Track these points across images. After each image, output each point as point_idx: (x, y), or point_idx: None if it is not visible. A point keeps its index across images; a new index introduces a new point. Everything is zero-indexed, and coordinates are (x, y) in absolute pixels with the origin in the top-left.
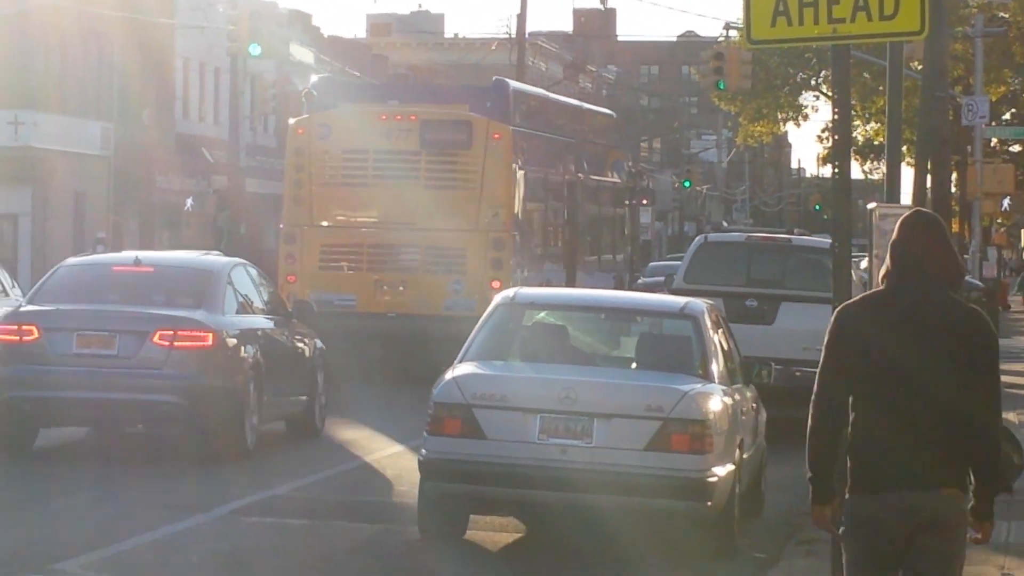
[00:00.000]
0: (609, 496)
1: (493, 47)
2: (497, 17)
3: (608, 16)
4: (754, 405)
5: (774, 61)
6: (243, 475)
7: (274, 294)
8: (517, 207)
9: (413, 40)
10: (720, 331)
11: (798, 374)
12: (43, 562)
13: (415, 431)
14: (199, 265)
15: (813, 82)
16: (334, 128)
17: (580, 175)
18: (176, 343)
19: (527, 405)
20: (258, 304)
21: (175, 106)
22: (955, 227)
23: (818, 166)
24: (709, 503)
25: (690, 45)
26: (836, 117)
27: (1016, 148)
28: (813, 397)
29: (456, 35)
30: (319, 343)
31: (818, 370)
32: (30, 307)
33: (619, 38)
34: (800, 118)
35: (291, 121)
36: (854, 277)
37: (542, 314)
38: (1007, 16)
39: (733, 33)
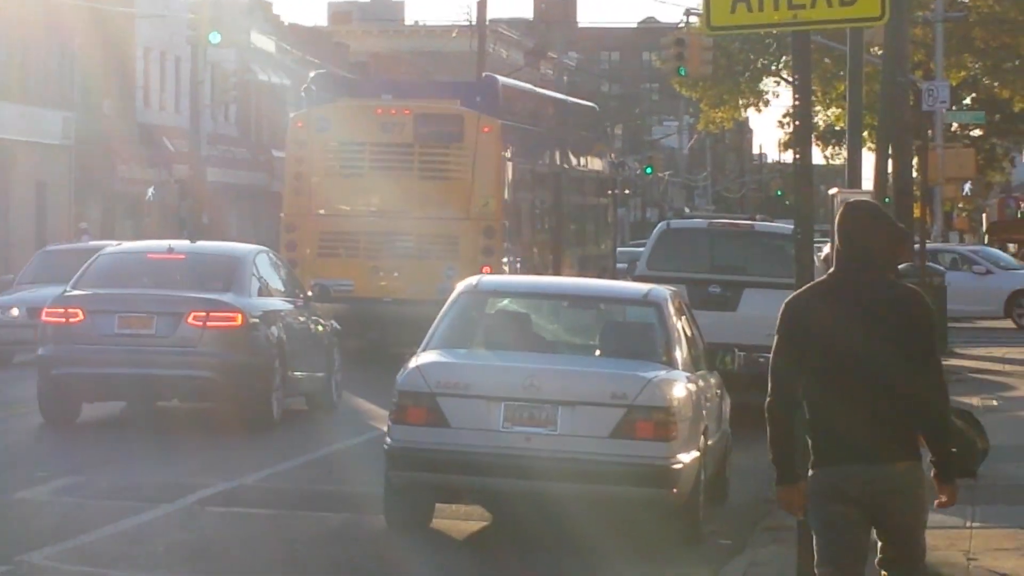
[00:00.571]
0: (574, 484)
1: (454, 34)
2: (457, 4)
3: (568, 3)
4: (718, 392)
5: (735, 47)
6: (207, 465)
7: (293, 278)
8: (506, 196)
9: (374, 28)
10: (684, 318)
11: (762, 360)
12: (9, 553)
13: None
14: (226, 252)
15: (774, 68)
16: (332, 121)
17: (565, 166)
18: (209, 323)
19: (491, 393)
20: (279, 288)
21: (136, 95)
22: (916, 212)
23: (780, 152)
24: (674, 490)
25: (651, 31)
26: (797, 103)
27: (977, 133)
28: (770, 386)
29: (417, 22)
30: (335, 323)
31: (771, 357)
32: (75, 292)
33: (580, 25)
34: (761, 104)
35: (291, 115)
36: (816, 263)
37: (505, 302)
38: (967, 1)
39: (694, 19)
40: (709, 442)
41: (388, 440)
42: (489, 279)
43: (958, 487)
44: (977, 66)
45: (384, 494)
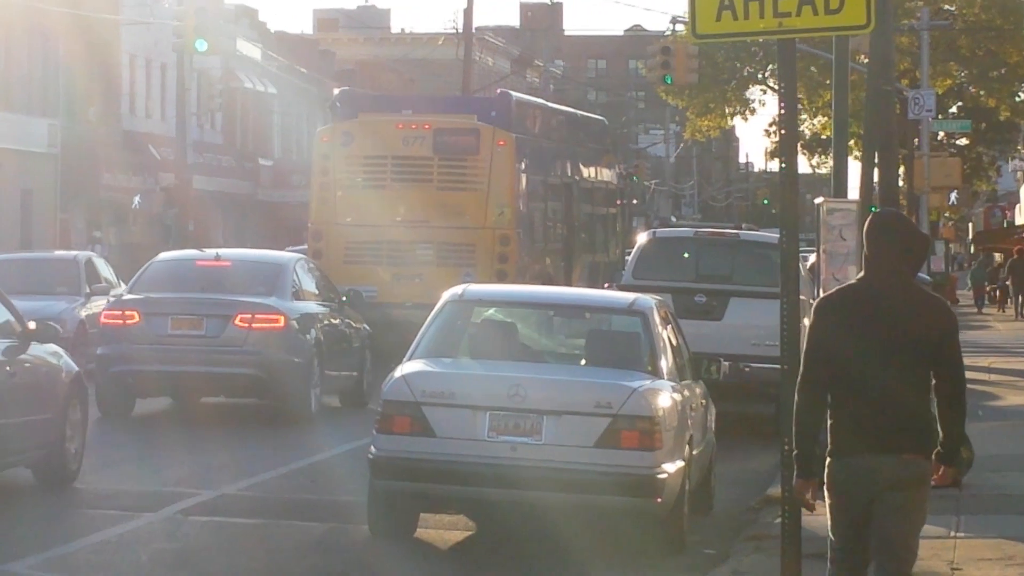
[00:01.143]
0: (559, 493)
1: (440, 42)
2: (444, 12)
3: (555, 10)
4: (703, 401)
5: (721, 55)
6: (191, 474)
7: (328, 284)
8: (521, 206)
9: (360, 35)
10: (669, 327)
11: (747, 370)
12: None
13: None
14: (269, 260)
15: (760, 76)
16: (356, 136)
17: (576, 177)
18: (254, 325)
19: (476, 403)
20: (315, 293)
21: (121, 103)
22: None
23: (766, 160)
24: (659, 500)
25: (637, 39)
26: (783, 111)
27: (963, 141)
28: (799, 380)
29: (403, 30)
30: (366, 327)
31: (803, 355)
32: (130, 296)
33: (566, 32)
34: (747, 112)
35: (317, 129)
36: (802, 272)
37: (491, 311)
38: (953, 9)
39: (680, 27)
40: (694, 451)
41: (373, 449)
42: (475, 288)
43: (956, 472)
44: (963, 74)
45: (368, 503)
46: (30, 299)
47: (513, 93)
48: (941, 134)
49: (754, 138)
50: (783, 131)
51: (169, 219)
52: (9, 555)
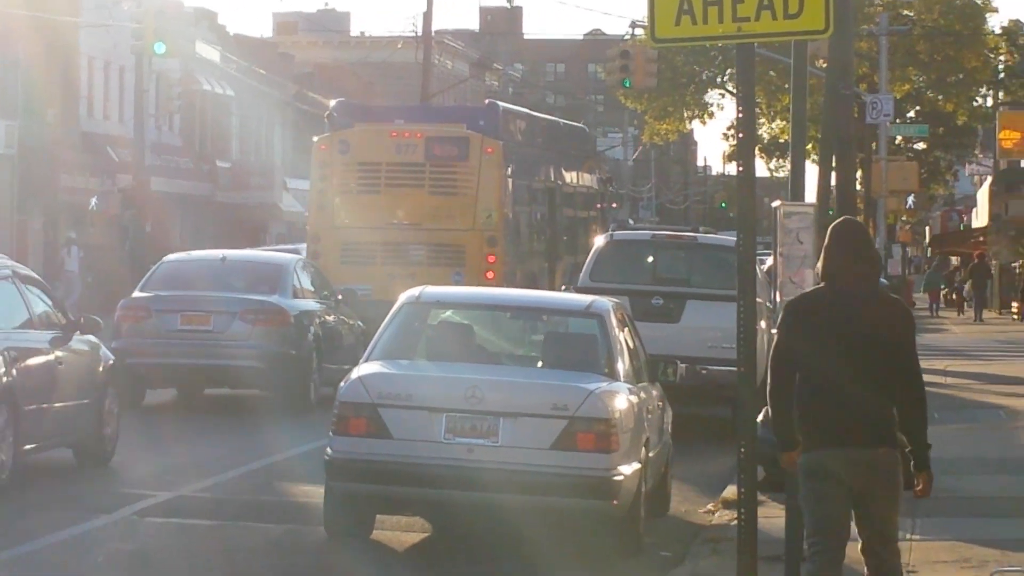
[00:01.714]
0: (515, 495)
1: (399, 45)
2: (403, 15)
3: (514, 14)
4: (660, 403)
5: (679, 59)
6: (148, 475)
7: (325, 283)
8: (507, 210)
9: (319, 39)
10: (626, 329)
11: (704, 372)
12: None
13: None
14: (271, 261)
15: (719, 80)
16: (351, 144)
17: (559, 182)
18: (258, 322)
19: (433, 404)
20: (314, 291)
21: (80, 104)
22: None
23: (724, 164)
24: (615, 502)
25: (596, 43)
26: (741, 115)
27: (921, 146)
28: (769, 371)
29: (362, 33)
30: (360, 323)
31: (772, 349)
32: (142, 293)
33: (525, 36)
34: (706, 116)
35: (315, 139)
36: (759, 275)
37: (448, 313)
38: (911, 14)
39: (639, 31)
40: (650, 454)
41: (329, 451)
42: (431, 290)
43: (932, 476)
44: (921, 79)
45: (325, 505)
46: None
47: (500, 103)
48: (899, 138)
49: (712, 142)
50: (741, 135)
51: (127, 220)
52: None
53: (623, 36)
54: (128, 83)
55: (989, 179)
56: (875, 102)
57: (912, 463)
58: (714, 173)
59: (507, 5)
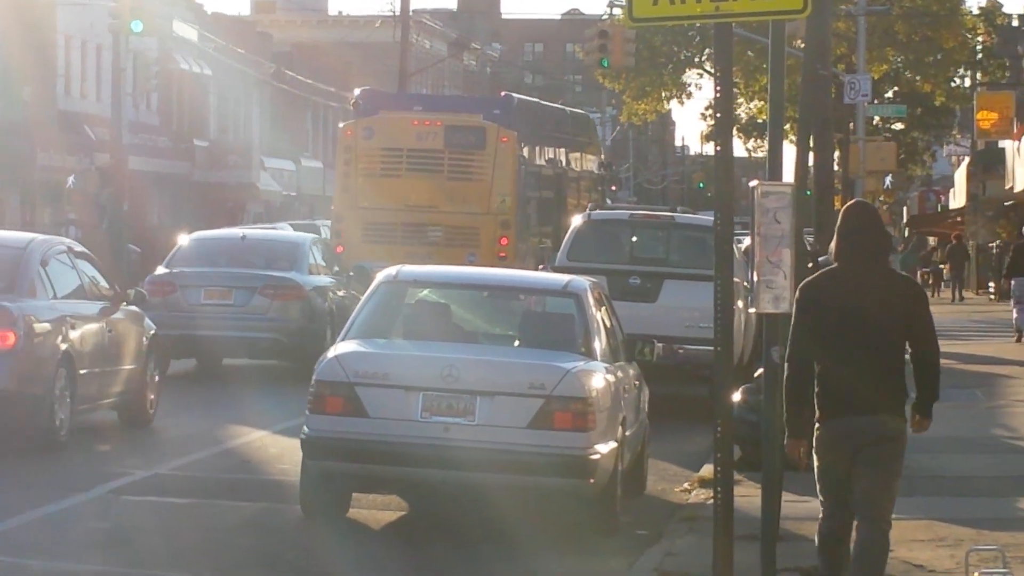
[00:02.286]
0: (492, 474)
1: (377, 24)
2: None
3: None
4: (637, 383)
5: (658, 39)
6: (125, 453)
7: (337, 260)
8: (519, 195)
9: (297, 18)
10: (603, 309)
11: (681, 351)
12: None
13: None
14: (288, 239)
15: (697, 60)
16: (375, 131)
17: (565, 167)
18: (276, 296)
19: (409, 383)
20: (327, 268)
21: (57, 83)
22: (838, 205)
23: (701, 144)
24: (591, 480)
25: (574, 23)
26: (719, 95)
27: (899, 126)
28: (787, 354)
29: (340, 12)
30: None
31: (790, 331)
32: (167, 270)
33: (503, 16)
34: (684, 96)
35: (341, 124)
36: (736, 255)
37: (425, 292)
38: None
39: (617, 11)
40: (627, 433)
41: (306, 429)
42: (408, 269)
43: (930, 420)
44: (899, 60)
45: (301, 483)
46: None
47: (515, 95)
48: (877, 119)
49: (690, 122)
50: (719, 115)
51: (104, 199)
52: None
53: (601, 16)
54: (105, 61)
55: (967, 160)
56: (853, 82)
57: (914, 405)
58: (692, 153)
59: None
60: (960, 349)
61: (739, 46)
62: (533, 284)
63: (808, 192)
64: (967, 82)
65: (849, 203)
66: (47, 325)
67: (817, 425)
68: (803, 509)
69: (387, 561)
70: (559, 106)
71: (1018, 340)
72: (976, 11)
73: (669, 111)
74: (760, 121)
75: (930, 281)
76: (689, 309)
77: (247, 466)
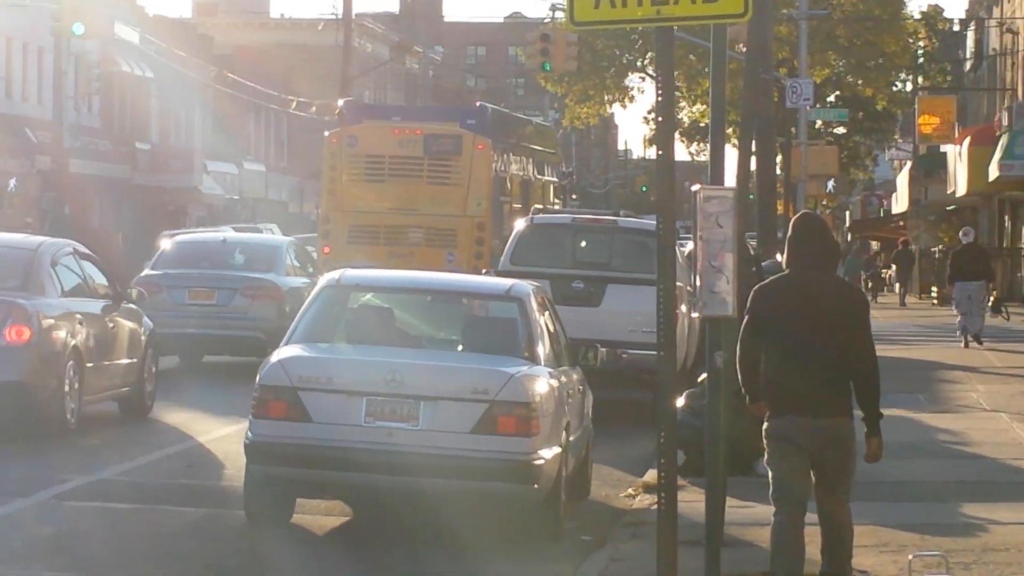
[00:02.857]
0: (436, 479)
1: (320, 28)
2: None
3: None
4: (580, 387)
5: (600, 43)
6: (67, 459)
7: (311, 261)
8: (494, 198)
9: (239, 20)
10: (546, 313)
11: (624, 356)
12: None
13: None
14: (267, 243)
15: (639, 64)
16: (359, 138)
17: (533, 174)
18: (256, 297)
19: (353, 388)
20: (302, 269)
21: None
22: (780, 209)
23: (644, 147)
24: (535, 486)
25: (517, 26)
26: (660, 99)
27: (841, 130)
28: (739, 340)
29: (282, 15)
30: None
31: (740, 330)
32: (153, 271)
33: (446, 19)
34: (626, 100)
35: (326, 133)
36: (679, 259)
37: (368, 296)
38: None
39: (559, 14)
40: (571, 438)
41: (249, 434)
42: (352, 273)
43: (882, 442)
44: (841, 64)
45: (245, 488)
46: None
47: (489, 105)
48: (819, 123)
49: (633, 125)
50: (660, 118)
51: (46, 203)
52: None
53: (543, 19)
54: (47, 64)
55: (909, 164)
56: (795, 86)
57: (866, 431)
58: (635, 157)
59: None
60: (902, 354)
61: (681, 50)
62: (476, 288)
63: (751, 196)
64: (908, 86)
65: (798, 214)
66: (57, 321)
67: (766, 422)
68: (747, 514)
69: (331, 566)
70: (526, 117)
71: (965, 346)
72: (917, 16)
73: (612, 115)
74: (702, 125)
75: (870, 286)
76: (632, 313)
77: (190, 471)
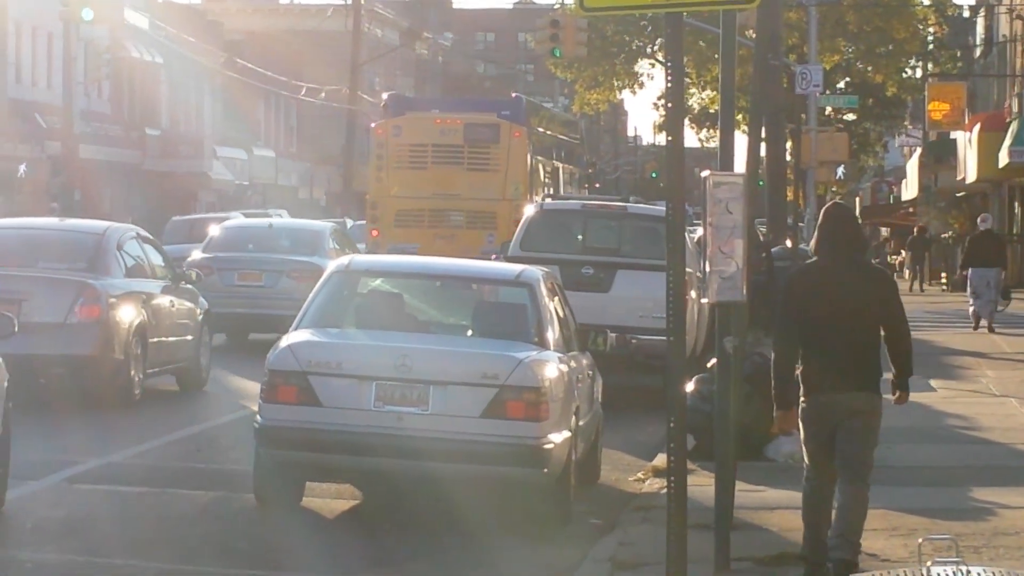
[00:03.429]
0: (445, 463)
1: (329, 13)
2: None
3: None
4: (590, 372)
5: (610, 29)
6: (79, 442)
7: (351, 244)
8: (531, 182)
9: (248, 6)
10: (556, 298)
11: (634, 341)
12: None
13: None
14: (311, 227)
15: (649, 50)
16: (403, 129)
17: (563, 162)
18: (301, 279)
19: (363, 372)
20: (343, 253)
21: (8, 71)
22: (790, 195)
23: (654, 134)
24: (545, 470)
25: (526, 12)
26: (670, 85)
27: (850, 117)
28: (775, 337)
29: (292, 1)
30: None
31: (777, 318)
32: (204, 254)
33: (455, 5)
34: (636, 86)
35: (372, 124)
36: (689, 245)
37: (378, 281)
38: None
39: (569, 0)
40: (580, 422)
41: (259, 418)
42: (361, 259)
43: (908, 393)
44: (851, 50)
45: (254, 472)
46: None
47: (524, 97)
48: (829, 109)
49: (643, 111)
50: (670, 105)
51: (56, 188)
52: None
53: (553, 5)
54: (56, 49)
55: (919, 150)
56: (805, 73)
57: (892, 382)
58: (645, 143)
59: None
60: (915, 338)
61: (690, 36)
62: (486, 274)
63: (760, 182)
64: (918, 73)
65: (828, 204)
66: (123, 300)
67: (802, 399)
68: (757, 499)
69: (341, 550)
70: (556, 109)
71: (975, 329)
72: (927, 2)
73: (621, 101)
74: (712, 111)
75: None
76: (642, 299)
77: (200, 455)
